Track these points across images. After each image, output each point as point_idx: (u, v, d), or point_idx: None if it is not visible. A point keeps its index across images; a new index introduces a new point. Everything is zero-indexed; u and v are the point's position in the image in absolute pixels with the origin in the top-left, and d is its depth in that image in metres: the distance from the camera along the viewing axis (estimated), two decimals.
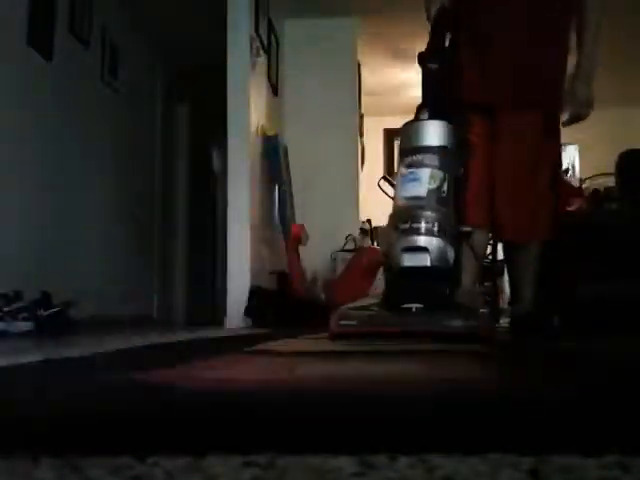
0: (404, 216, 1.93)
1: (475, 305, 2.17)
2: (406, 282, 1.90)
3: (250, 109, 4.28)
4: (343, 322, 1.76)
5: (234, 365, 1.13)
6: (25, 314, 2.88)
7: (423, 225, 1.91)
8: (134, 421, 0.52)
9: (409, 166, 1.98)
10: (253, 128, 4.39)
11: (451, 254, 1.93)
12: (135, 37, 5.62)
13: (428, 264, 1.90)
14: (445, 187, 1.97)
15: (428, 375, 0.95)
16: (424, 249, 1.90)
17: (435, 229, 1.92)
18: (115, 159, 5.22)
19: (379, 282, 5.22)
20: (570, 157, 8.92)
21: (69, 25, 4.34)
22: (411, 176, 1.96)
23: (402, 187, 1.99)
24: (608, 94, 7.67)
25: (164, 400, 0.65)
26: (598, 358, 1.34)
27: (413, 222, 1.92)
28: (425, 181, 1.95)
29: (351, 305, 1.96)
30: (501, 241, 2.69)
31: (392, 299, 1.88)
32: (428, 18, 2.32)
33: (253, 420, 0.52)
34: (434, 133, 2.02)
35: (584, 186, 8.14)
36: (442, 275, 1.91)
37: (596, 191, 7.47)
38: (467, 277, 2.42)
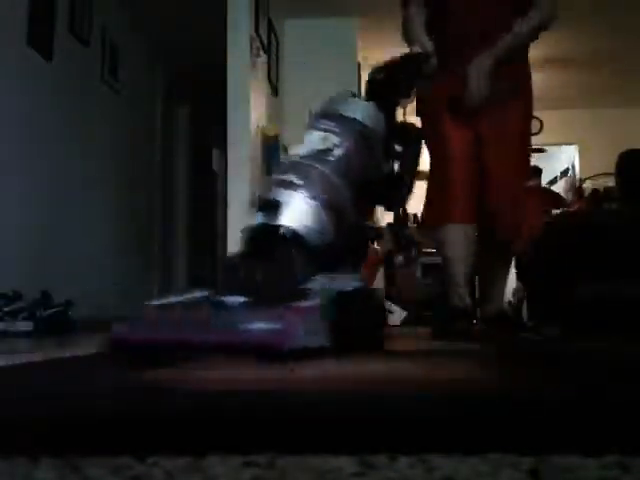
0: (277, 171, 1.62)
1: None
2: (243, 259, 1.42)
3: (250, 109, 4.28)
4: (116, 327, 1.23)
5: (234, 365, 1.13)
6: (25, 314, 2.88)
7: (291, 177, 1.53)
8: (134, 421, 0.52)
9: (314, 128, 1.69)
10: (253, 128, 4.38)
11: (327, 228, 1.49)
12: (135, 37, 5.62)
13: (279, 223, 1.45)
14: (338, 154, 1.62)
15: (428, 375, 0.95)
16: (277, 204, 1.48)
17: (301, 183, 1.52)
18: (115, 159, 5.22)
19: (379, 281, 5.23)
20: (570, 157, 8.92)
21: (69, 25, 4.34)
22: (310, 136, 1.68)
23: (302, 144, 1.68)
24: (608, 94, 7.68)
25: (164, 400, 0.65)
26: (598, 358, 1.34)
27: (282, 174, 1.58)
28: (315, 141, 1.65)
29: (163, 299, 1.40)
30: (487, 239, 2.56)
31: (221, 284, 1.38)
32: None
33: (253, 420, 0.52)
34: (355, 108, 1.77)
35: (584, 186, 8.16)
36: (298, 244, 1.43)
37: (596, 191, 7.47)
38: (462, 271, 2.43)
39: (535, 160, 10.31)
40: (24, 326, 2.84)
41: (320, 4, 5.45)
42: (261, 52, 4.61)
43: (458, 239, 2.44)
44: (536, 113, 8.88)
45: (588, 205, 7.10)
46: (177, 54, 6.09)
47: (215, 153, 8.25)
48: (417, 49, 2.34)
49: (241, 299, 1.28)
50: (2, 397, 0.70)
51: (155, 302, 1.36)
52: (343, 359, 1.31)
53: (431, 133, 2.39)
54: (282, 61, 5.50)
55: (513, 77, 2.44)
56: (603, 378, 0.90)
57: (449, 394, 0.70)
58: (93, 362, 1.27)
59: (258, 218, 1.46)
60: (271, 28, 5.07)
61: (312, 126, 1.71)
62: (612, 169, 3.66)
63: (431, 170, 2.54)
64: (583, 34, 6.26)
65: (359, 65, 5.81)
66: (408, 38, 2.56)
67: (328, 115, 1.73)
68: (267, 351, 1.11)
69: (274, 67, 5.18)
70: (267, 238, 1.41)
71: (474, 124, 2.41)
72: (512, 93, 2.42)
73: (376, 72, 1.99)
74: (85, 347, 1.83)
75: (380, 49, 6.44)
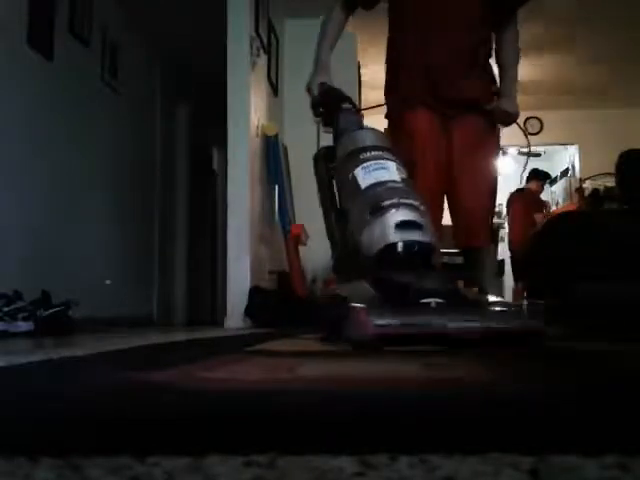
0: (384, 195, 1.71)
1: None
2: (420, 274, 1.58)
3: (250, 109, 4.29)
4: (380, 321, 1.37)
5: (234, 365, 1.13)
6: (25, 314, 2.88)
7: (414, 202, 1.71)
8: (134, 421, 0.52)
9: (368, 160, 1.82)
10: (253, 128, 4.39)
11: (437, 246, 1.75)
12: (135, 37, 5.62)
13: (429, 241, 1.67)
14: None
15: (428, 375, 0.95)
16: (420, 226, 1.67)
17: (423, 209, 1.73)
18: (115, 159, 5.22)
19: None
20: (570, 157, 8.93)
21: (69, 25, 4.34)
22: (376, 166, 1.81)
23: (369, 175, 1.79)
24: (608, 94, 7.68)
25: (164, 400, 0.65)
26: (598, 358, 1.34)
27: (401, 197, 1.71)
28: (394, 170, 1.81)
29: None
30: (462, 247, 2.75)
31: (397, 290, 1.52)
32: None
33: (253, 420, 0.52)
34: (381, 137, 2.00)
35: (584, 186, 8.15)
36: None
37: (596, 191, 7.47)
38: None
39: (535, 163, 10.33)
40: (24, 326, 2.84)
41: (320, 4, 5.44)
42: (261, 52, 4.61)
43: None
44: (536, 113, 8.92)
45: (588, 205, 7.11)
46: (177, 54, 6.10)
47: (215, 153, 8.25)
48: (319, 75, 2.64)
49: (438, 301, 1.51)
50: (2, 397, 0.70)
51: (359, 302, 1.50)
52: (343, 359, 1.31)
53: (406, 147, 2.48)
54: (282, 61, 5.50)
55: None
56: (603, 378, 0.90)
57: (449, 394, 0.70)
58: (93, 362, 1.27)
59: (404, 235, 1.64)
60: (271, 28, 5.07)
61: (366, 158, 1.83)
62: (612, 169, 3.67)
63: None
64: (584, 34, 6.26)
65: (359, 65, 5.81)
66: (319, 45, 2.73)
67: (374, 147, 1.89)
68: (531, 337, 1.48)
69: (274, 67, 5.18)
70: (418, 252, 1.65)
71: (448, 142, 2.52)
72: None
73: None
74: (85, 347, 1.83)
75: (380, 48, 6.45)
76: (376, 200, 1.70)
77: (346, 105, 2.20)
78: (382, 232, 1.65)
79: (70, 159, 4.38)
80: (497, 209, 8.58)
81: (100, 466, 0.42)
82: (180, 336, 2.83)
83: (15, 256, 3.58)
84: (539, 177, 7.06)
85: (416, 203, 1.71)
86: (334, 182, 2.03)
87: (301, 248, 4.84)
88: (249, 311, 4.03)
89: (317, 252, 5.14)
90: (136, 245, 5.73)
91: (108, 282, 4.91)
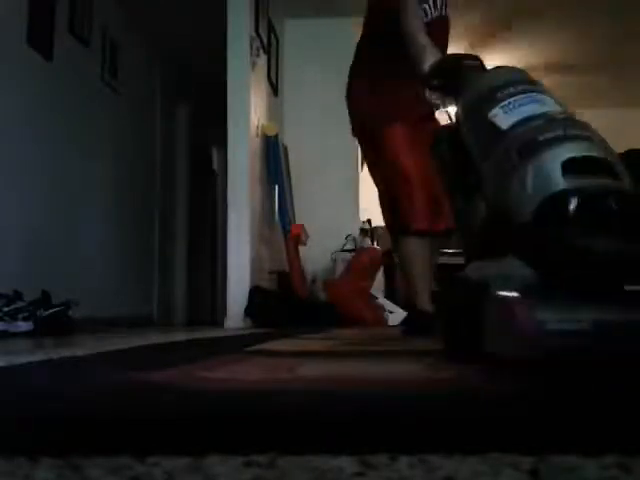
0: (541, 128, 1.13)
1: None
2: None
3: (250, 109, 4.29)
4: (556, 321, 0.84)
5: (234, 365, 1.13)
6: (25, 314, 2.88)
7: (589, 133, 1.18)
8: (134, 421, 0.52)
9: (511, 96, 1.23)
10: (253, 128, 4.39)
11: None
12: (135, 37, 5.62)
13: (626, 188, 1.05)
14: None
15: (428, 375, 0.95)
16: (606, 165, 1.07)
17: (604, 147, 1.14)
18: (115, 159, 5.22)
19: (379, 283, 5.23)
20: None
21: (69, 25, 4.34)
22: (524, 100, 1.23)
23: (512, 112, 1.20)
24: (608, 94, 7.68)
25: (164, 400, 0.65)
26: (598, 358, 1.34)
27: (569, 128, 1.15)
28: (551, 102, 1.27)
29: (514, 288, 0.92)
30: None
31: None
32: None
33: (253, 420, 0.52)
34: (524, 74, 1.43)
35: None
36: None
37: None
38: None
39: None
40: (24, 326, 2.84)
41: (320, 4, 5.45)
42: (261, 52, 4.61)
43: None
44: None
45: None
46: (177, 54, 6.10)
47: (215, 153, 8.26)
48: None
49: None
50: (2, 397, 0.70)
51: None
52: (343, 359, 1.31)
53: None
54: (282, 61, 5.50)
55: None
56: (603, 378, 0.89)
57: (449, 394, 0.70)
58: (93, 362, 1.28)
59: (580, 181, 1.03)
60: (271, 28, 5.07)
61: (513, 92, 1.24)
62: None
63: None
64: (583, 35, 6.26)
65: None
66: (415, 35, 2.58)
67: (526, 82, 1.35)
68: None
69: (274, 67, 5.18)
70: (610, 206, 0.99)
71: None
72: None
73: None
74: (85, 347, 1.83)
75: None
76: (527, 137, 1.12)
77: (469, 62, 1.66)
78: (543, 178, 1.04)
79: (70, 159, 4.38)
80: None
81: (100, 466, 0.42)
82: (180, 336, 2.83)
83: (15, 256, 3.58)
84: None
85: (595, 137, 1.17)
86: (459, 156, 1.37)
87: (301, 248, 4.84)
88: (249, 311, 4.03)
89: (317, 252, 5.15)
90: (136, 245, 5.73)
91: (108, 282, 4.91)
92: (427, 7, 2.67)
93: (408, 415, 0.55)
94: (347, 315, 4.37)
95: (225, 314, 4.17)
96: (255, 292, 4.07)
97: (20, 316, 2.86)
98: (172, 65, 6.35)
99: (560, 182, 1.02)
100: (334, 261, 5.22)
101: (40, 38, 3.92)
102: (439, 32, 2.62)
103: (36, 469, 0.42)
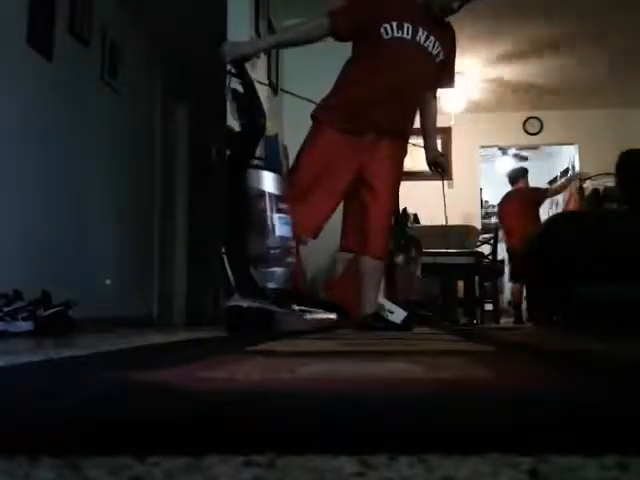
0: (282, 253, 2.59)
1: None
2: None
3: None
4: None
5: (234, 365, 1.13)
6: (25, 314, 2.88)
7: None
8: (134, 421, 0.52)
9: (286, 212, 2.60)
10: None
11: None
12: (135, 37, 5.62)
13: None
14: None
15: (428, 375, 0.95)
16: None
17: None
18: (115, 159, 5.22)
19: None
20: (570, 157, 8.93)
21: (69, 25, 4.34)
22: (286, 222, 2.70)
23: (284, 227, 2.69)
24: (608, 95, 7.68)
25: (164, 400, 0.65)
26: (598, 358, 1.34)
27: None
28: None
29: None
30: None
31: None
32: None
33: (253, 420, 0.52)
34: None
35: (584, 186, 8.15)
36: None
37: (596, 191, 7.46)
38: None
39: (535, 163, 10.27)
40: (24, 326, 2.84)
41: (320, 4, 5.44)
42: (261, 52, 4.60)
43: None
44: (536, 113, 8.91)
45: (588, 205, 7.11)
46: (177, 54, 6.10)
47: (215, 153, 8.24)
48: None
49: None
50: (2, 397, 0.70)
51: None
52: (343, 359, 1.31)
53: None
54: (282, 61, 5.50)
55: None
56: (603, 378, 0.90)
57: (449, 394, 0.70)
58: (93, 362, 1.27)
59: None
60: (271, 28, 5.07)
61: None
62: (612, 169, 3.67)
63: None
64: (584, 36, 6.25)
65: None
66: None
67: None
68: None
69: (274, 67, 5.18)
70: None
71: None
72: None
73: None
74: (85, 347, 1.83)
75: None
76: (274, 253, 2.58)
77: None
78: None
79: (70, 159, 4.38)
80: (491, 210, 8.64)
81: (100, 466, 0.42)
82: (180, 336, 2.83)
83: (15, 256, 3.58)
84: (521, 175, 7.13)
85: None
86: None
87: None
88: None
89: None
90: (136, 245, 5.73)
91: (108, 282, 4.90)
92: (388, 27, 3.03)
93: (408, 415, 0.55)
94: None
95: None
96: None
97: (20, 316, 2.86)
98: (172, 65, 6.35)
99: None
100: (334, 261, 5.22)
101: (40, 38, 3.92)
102: (400, 55, 3.01)
103: (36, 469, 0.42)
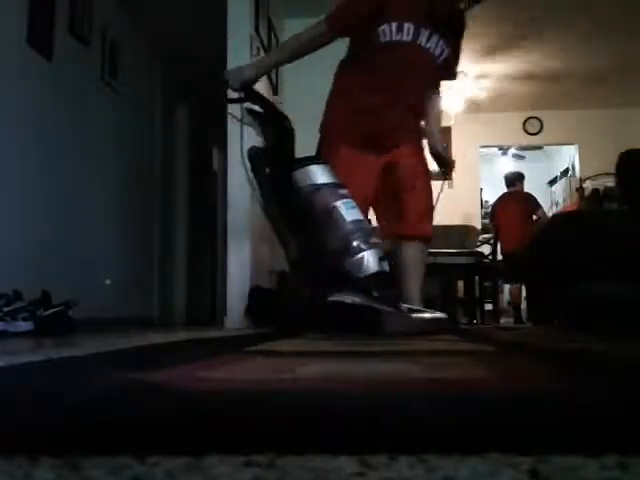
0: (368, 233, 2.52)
1: None
2: None
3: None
4: None
5: (234, 365, 1.13)
6: (25, 314, 2.88)
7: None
8: (134, 421, 0.52)
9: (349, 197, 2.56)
10: None
11: None
12: (135, 37, 5.62)
13: None
14: None
15: (428, 375, 0.95)
16: None
17: None
18: (115, 159, 5.22)
19: None
20: (570, 157, 8.93)
21: (69, 25, 4.34)
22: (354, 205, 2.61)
23: (352, 211, 2.58)
24: (608, 95, 7.68)
25: (164, 400, 0.65)
26: (598, 358, 1.34)
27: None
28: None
29: None
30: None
31: None
32: None
33: (253, 420, 0.52)
34: None
35: (584, 186, 8.16)
36: None
37: (596, 191, 7.47)
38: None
39: (535, 163, 10.26)
40: (24, 326, 2.84)
41: (320, 4, 5.45)
42: (261, 52, 4.61)
43: None
44: (536, 113, 8.90)
45: (588, 205, 7.11)
46: (177, 54, 6.10)
47: (215, 153, 8.25)
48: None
49: None
50: (2, 397, 0.70)
51: None
52: (343, 359, 1.31)
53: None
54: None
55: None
56: (603, 378, 0.90)
57: (449, 394, 0.70)
58: (93, 362, 1.27)
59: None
60: (271, 28, 5.07)
61: None
62: (612, 169, 3.66)
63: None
64: (584, 34, 6.25)
65: None
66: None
67: None
68: None
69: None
70: None
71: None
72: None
73: None
74: (85, 347, 1.83)
75: None
76: (364, 232, 2.32)
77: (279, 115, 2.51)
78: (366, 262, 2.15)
79: (70, 159, 4.38)
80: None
81: (100, 466, 0.42)
82: (180, 336, 2.83)
83: (15, 256, 3.58)
84: (518, 179, 7.11)
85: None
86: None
87: None
88: (249, 311, 4.03)
89: None
90: (136, 245, 5.73)
91: (108, 282, 4.91)
92: (386, 29, 2.87)
93: (408, 415, 0.55)
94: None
95: (225, 314, 4.17)
96: (255, 292, 4.07)
97: (20, 316, 2.86)
98: (172, 65, 6.35)
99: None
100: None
101: (40, 38, 3.92)
102: (398, 57, 2.89)
103: (36, 469, 0.42)
